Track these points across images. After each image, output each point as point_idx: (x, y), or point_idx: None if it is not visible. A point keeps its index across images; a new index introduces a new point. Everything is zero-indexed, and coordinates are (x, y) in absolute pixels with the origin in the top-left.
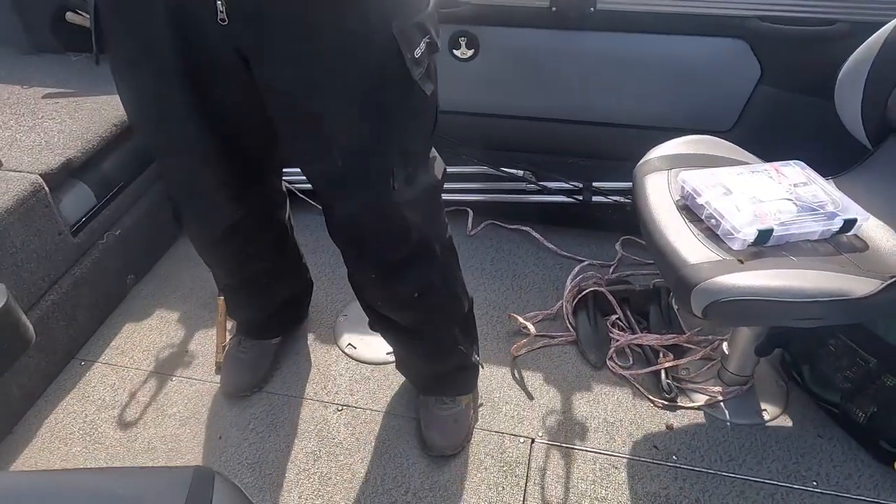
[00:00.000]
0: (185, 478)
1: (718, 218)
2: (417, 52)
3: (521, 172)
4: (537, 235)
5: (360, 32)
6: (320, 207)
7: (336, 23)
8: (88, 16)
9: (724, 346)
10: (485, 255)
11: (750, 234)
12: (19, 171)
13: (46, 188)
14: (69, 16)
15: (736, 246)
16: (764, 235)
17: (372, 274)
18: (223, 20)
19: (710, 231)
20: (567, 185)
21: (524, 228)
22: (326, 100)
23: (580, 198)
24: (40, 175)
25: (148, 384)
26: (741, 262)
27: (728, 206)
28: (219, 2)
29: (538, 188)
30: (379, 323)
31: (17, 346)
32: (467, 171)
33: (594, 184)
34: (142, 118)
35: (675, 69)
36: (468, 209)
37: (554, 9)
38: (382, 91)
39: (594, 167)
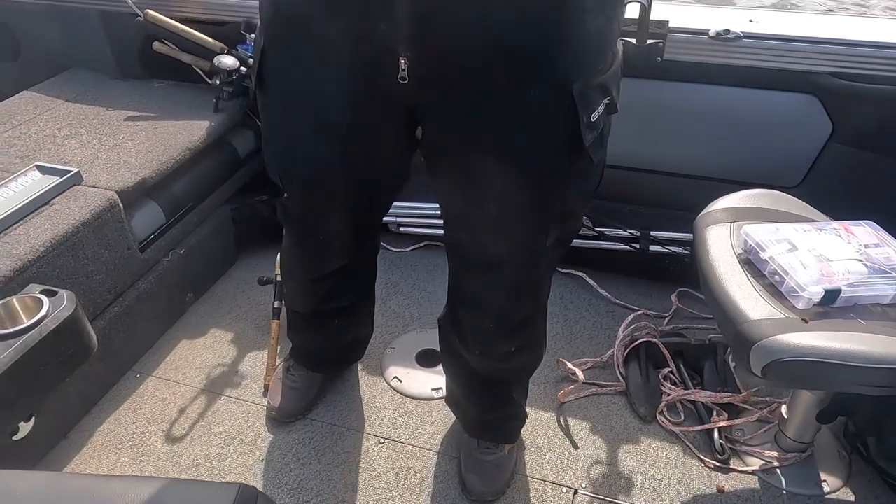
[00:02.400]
0: (230, 494)
1: (782, 274)
2: (595, 115)
3: None
4: (591, 281)
5: (539, 95)
6: (383, 244)
7: (516, 85)
8: (174, 47)
9: (783, 409)
10: None
11: (816, 294)
12: (97, 187)
13: (121, 205)
14: (156, 45)
15: (800, 305)
16: (831, 296)
17: (490, 324)
18: (403, 79)
19: (773, 287)
20: (624, 233)
21: (578, 273)
22: (494, 156)
23: (637, 246)
24: (116, 192)
25: (197, 401)
26: (805, 321)
27: (793, 262)
28: (402, 61)
29: (595, 234)
30: (455, 365)
31: (81, 354)
32: None
33: (652, 233)
34: (287, 165)
35: (741, 122)
36: None
37: None
38: (552, 155)
39: (653, 216)
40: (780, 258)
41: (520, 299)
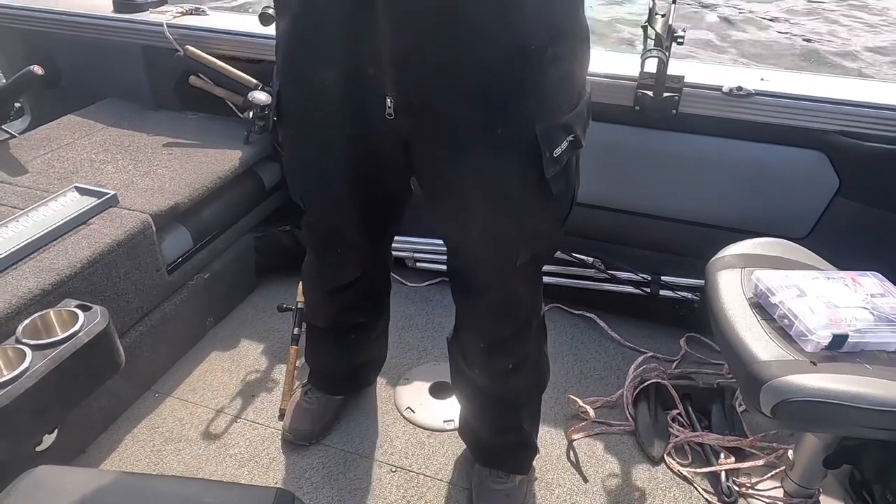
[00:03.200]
0: (268, 498)
1: (792, 318)
2: (557, 151)
3: (591, 259)
4: (602, 323)
5: (504, 133)
6: (399, 279)
7: (484, 124)
8: (209, 81)
9: (790, 453)
10: (548, 336)
11: (824, 338)
12: (132, 210)
13: (154, 227)
14: (192, 79)
15: (809, 348)
16: (838, 341)
17: (481, 343)
18: (390, 115)
19: (783, 331)
20: (635, 277)
21: (589, 315)
22: (469, 187)
23: (648, 290)
24: (150, 215)
25: (214, 422)
26: (814, 363)
27: (802, 307)
28: (388, 99)
29: (607, 277)
30: (463, 386)
31: (110, 368)
32: None
33: (662, 277)
34: (306, 186)
35: (752, 174)
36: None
37: (637, 108)
38: (517, 185)
39: (664, 261)
40: (789, 303)
41: (502, 317)
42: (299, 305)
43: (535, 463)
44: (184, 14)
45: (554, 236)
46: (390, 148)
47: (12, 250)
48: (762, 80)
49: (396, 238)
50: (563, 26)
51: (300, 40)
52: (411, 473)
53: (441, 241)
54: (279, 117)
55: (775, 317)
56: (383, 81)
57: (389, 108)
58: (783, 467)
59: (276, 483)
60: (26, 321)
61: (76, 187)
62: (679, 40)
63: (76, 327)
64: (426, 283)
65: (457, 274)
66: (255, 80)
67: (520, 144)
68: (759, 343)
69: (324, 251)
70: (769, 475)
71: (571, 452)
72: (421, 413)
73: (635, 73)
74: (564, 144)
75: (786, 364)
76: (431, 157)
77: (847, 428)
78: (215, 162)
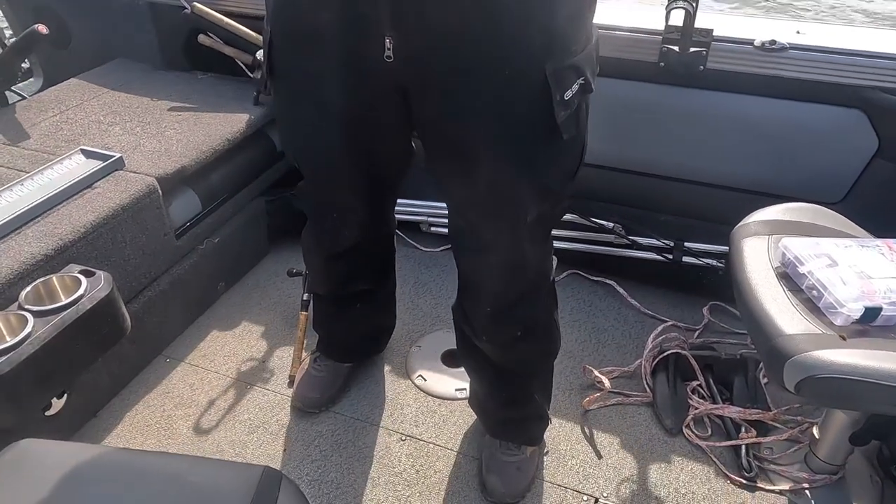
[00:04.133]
0: (255, 475)
1: (821, 289)
2: (568, 94)
3: (611, 224)
4: (621, 290)
5: (512, 74)
6: (413, 243)
7: (491, 64)
8: (218, 40)
9: (815, 429)
10: (564, 304)
11: (855, 311)
12: (138, 173)
13: (160, 191)
14: (201, 38)
15: (838, 321)
16: (871, 314)
17: (487, 307)
18: (389, 58)
19: (811, 303)
20: (657, 243)
21: (608, 282)
22: (476, 135)
23: (670, 257)
24: (156, 178)
25: (224, 388)
26: (843, 338)
27: (833, 277)
28: (387, 40)
29: (627, 242)
30: (470, 356)
31: (115, 334)
32: None
33: (686, 244)
34: (297, 144)
35: (784, 134)
36: (553, 259)
37: (662, 64)
38: (526, 130)
39: (688, 227)
40: (819, 273)
41: (509, 280)
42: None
43: (547, 434)
44: None
45: (564, 191)
46: (389, 97)
47: (16, 214)
48: (798, 32)
49: (410, 202)
50: None
51: None
52: (421, 442)
53: None
54: (270, 69)
55: (803, 288)
56: (381, 21)
57: (388, 49)
58: (807, 442)
59: (283, 451)
60: (29, 287)
61: (82, 150)
62: None
63: (79, 293)
64: (441, 248)
65: (460, 234)
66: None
67: (529, 85)
68: (785, 315)
69: (319, 215)
70: (792, 450)
71: (586, 424)
72: (432, 381)
73: (660, 26)
74: (575, 87)
75: (813, 338)
76: (434, 104)
77: (877, 406)
78: (224, 124)
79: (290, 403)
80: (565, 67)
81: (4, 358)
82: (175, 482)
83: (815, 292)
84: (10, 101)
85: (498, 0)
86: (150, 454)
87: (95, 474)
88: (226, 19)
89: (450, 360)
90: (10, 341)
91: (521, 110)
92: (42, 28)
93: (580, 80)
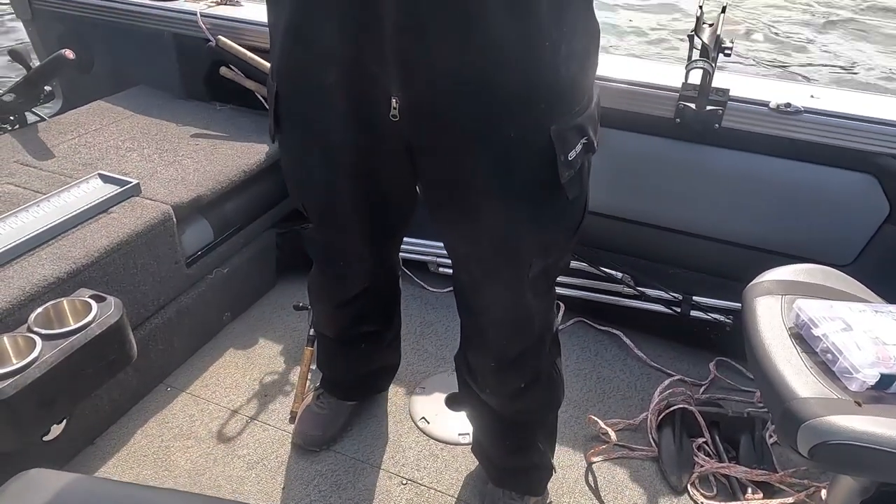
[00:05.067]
0: None
1: (836, 353)
2: (572, 154)
3: (620, 275)
4: (628, 341)
5: (518, 136)
6: (420, 283)
7: (497, 125)
8: (239, 73)
9: (823, 493)
10: (570, 352)
11: (871, 377)
12: (154, 200)
13: (174, 219)
14: (223, 70)
15: (853, 386)
16: (887, 380)
17: (491, 362)
18: (394, 117)
19: (825, 366)
20: (666, 295)
21: (615, 332)
22: (480, 193)
23: (678, 310)
24: (171, 206)
25: (224, 421)
26: (858, 404)
27: (847, 342)
28: (393, 100)
29: (636, 293)
30: (474, 405)
31: (122, 361)
32: None
33: (694, 298)
34: (305, 193)
35: (796, 195)
36: (559, 303)
37: (678, 120)
38: (530, 190)
39: (696, 281)
40: (833, 336)
41: (513, 334)
42: None
43: (550, 484)
44: (218, 4)
45: (567, 246)
46: (394, 154)
47: (30, 236)
48: (812, 97)
49: (418, 241)
50: (577, 23)
51: (298, 38)
52: (422, 487)
53: None
54: (277, 122)
55: (817, 350)
56: (388, 81)
57: (394, 109)
58: None
59: (282, 489)
60: (39, 309)
61: (100, 174)
62: (727, 52)
63: (89, 318)
64: (448, 288)
65: (464, 290)
66: None
67: (534, 146)
68: (800, 378)
69: (327, 264)
70: None
71: (590, 475)
72: (435, 424)
73: (678, 83)
74: (579, 147)
75: (828, 402)
76: (438, 163)
77: (893, 475)
78: (241, 155)
79: (290, 440)
80: (569, 128)
81: (10, 381)
82: None
83: (829, 356)
84: (30, 122)
85: (505, 62)
86: (157, 490)
87: None
88: (249, 53)
89: (453, 403)
90: (16, 364)
91: (526, 170)
92: (69, 53)
93: (583, 140)
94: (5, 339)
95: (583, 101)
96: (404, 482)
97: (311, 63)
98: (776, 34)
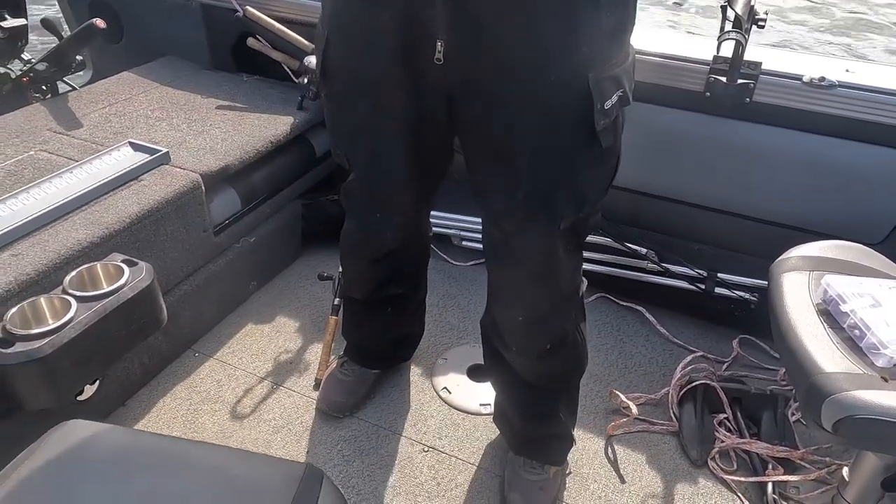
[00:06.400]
0: (297, 472)
1: (864, 329)
2: (608, 104)
3: (644, 250)
4: (651, 317)
5: (558, 80)
6: (444, 256)
7: (539, 70)
8: (266, 44)
9: (845, 471)
10: (592, 326)
11: None
12: (183, 168)
13: (203, 187)
14: (250, 41)
15: (881, 362)
16: None
17: (520, 317)
18: (439, 60)
19: (852, 342)
20: (690, 272)
21: (638, 308)
22: (518, 138)
23: (702, 287)
24: (200, 175)
25: (251, 387)
26: (885, 380)
27: (876, 318)
28: (438, 43)
29: (659, 269)
30: (498, 370)
31: (152, 325)
32: (588, 239)
33: (719, 275)
34: (350, 143)
35: (827, 171)
36: (583, 278)
37: (708, 94)
38: (568, 137)
39: (722, 258)
40: (862, 312)
41: (542, 289)
42: (340, 275)
43: (571, 455)
44: None
45: (598, 200)
46: (438, 99)
47: (65, 201)
48: (847, 71)
49: (443, 214)
50: None
51: None
52: (443, 455)
53: None
54: (324, 70)
55: (844, 326)
56: (436, 23)
57: (439, 52)
58: (835, 484)
59: (307, 452)
60: (73, 272)
61: (130, 143)
62: (760, 24)
63: (121, 281)
64: (471, 262)
65: (494, 245)
66: (311, 45)
67: (572, 93)
68: (825, 353)
69: (367, 215)
70: (819, 491)
71: (610, 448)
72: (457, 394)
73: (708, 56)
74: (614, 98)
75: (854, 378)
76: (479, 108)
77: None
78: (268, 126)
79: (314, 406)
80: (607, 78)
81: (47, 340)
82: (218, 473)
83: (857, 332)
84: (61, 91)
85: (547, 11)
86: (193, 443)
87: (140, 459)
88: (276, 24)
89: (475, 374)
90: (53, 324)
91: (564, 116)
92: (100, 22)
93: (619, 92)
94: (42, 300)
95: (620, 56)
96: (426, 449)
97: (363, 8)
98: (815, 4)
